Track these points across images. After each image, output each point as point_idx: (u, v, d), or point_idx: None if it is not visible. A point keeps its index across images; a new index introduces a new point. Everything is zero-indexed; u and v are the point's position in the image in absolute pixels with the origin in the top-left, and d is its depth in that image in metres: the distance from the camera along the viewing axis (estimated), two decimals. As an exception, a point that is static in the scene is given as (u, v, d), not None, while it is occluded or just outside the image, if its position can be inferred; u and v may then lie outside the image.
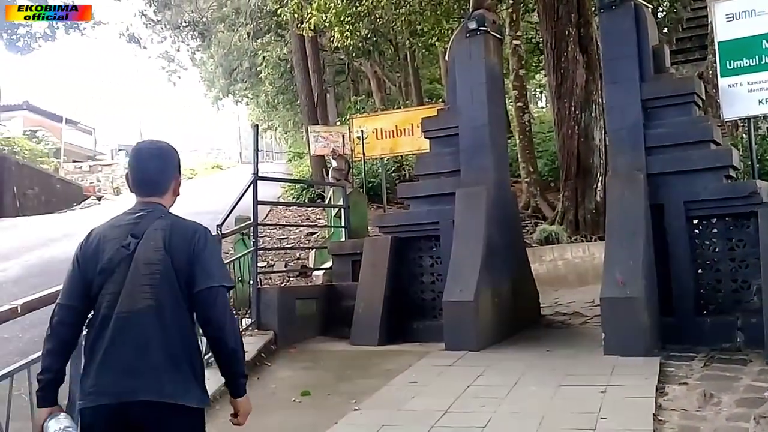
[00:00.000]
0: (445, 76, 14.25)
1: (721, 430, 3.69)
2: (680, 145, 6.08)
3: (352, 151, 13.83)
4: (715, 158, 5.99)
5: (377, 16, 14.39)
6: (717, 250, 5.97)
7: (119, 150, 41.58)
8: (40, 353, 3.29)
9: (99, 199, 24.66)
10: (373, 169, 15.24)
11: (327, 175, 15.29)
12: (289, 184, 18.15)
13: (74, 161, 32.82)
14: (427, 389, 4.90)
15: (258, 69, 26.71)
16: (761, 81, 6.36)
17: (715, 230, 6.00)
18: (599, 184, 10.69)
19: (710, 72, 10.53)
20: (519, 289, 7.16)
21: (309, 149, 17.92)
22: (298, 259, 11.61)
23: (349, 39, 13.80)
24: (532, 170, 13.74)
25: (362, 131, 12.68)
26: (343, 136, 14.93)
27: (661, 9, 15.63)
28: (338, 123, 20.78)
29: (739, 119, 8.01)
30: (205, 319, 2.15)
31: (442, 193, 7.16)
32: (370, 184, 14.70)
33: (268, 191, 13.70)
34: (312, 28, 14.10)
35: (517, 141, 14.44)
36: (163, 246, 2.13)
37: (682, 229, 5.99)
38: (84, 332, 2.24)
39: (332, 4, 12.78)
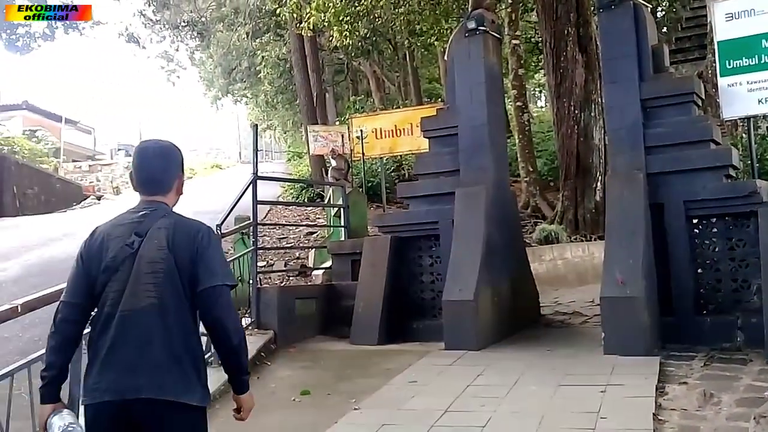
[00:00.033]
0: (444, 76, 14.22)
1: (721, 430, 3.69)
2: (680, 144, 6.08)
3: (351, 150, 13.82)
4: (714, 158, 5.99)
5: (376, 15, 14.38)
6: (717, 249, 5.97)
7: (119, 149, 41.56)
8: (40, 353, 3.31)
9: (99, 198, 24.66)
10: (373, 168, 15.24)
11: (326, 174, 15.28)
12: (289, 183, 18.15)
13: (74, 161, 32.83)
14: (426, 389, 4.90)
15: (257, 69, 26.71)
16: (761, 80, 6.35)
17: (714, 230, 6.01)
18: (599, 184, 10.69)
19: (710, 71, 10.53)
20: (518, 289, 7.16)
21: (308, 149, 17.91)
22: (298, 258, 11.61)
23: (348, 38, 13.79)
24: (531, 170, 13.74)
25: (361, 131, 12.68)
26: (342, 136, 14.93)
27: (660, 8, 15.65)
28: (337, 122, 20.77)
29: (739, 119, 8.01)
30: (209, 318, 2.17)
31: (441, 193, 7.16)
32: (370, 184, 14.71)
33: (267, 191, 13.70)
34: (311, 27, 14.08)
35: (517, 140, 14.44)
36: (166, 245, 2.15)
37: (682, 228, 5.99)
38: (87, 330, 2.25)
39: (331, 4, 12.77)
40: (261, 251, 9.13)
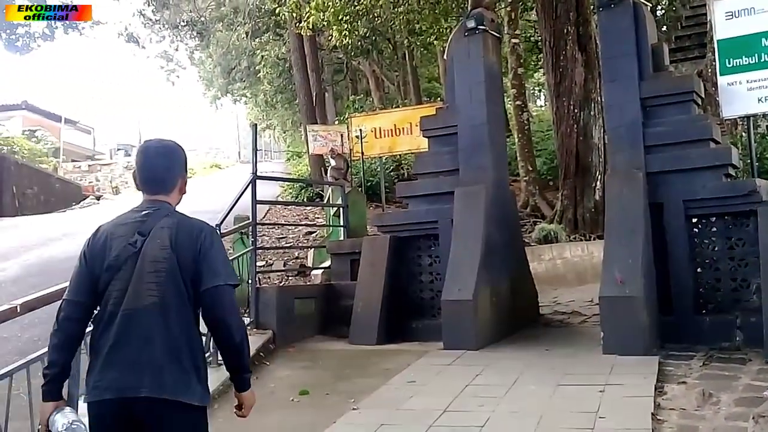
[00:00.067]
0: (444, 75, 14.22)
1: (720, 430, 3.69)
2: (679, 143, 6.08)
3: (350, 150, 13.82)
4: (714, 157, 5.99)
5: (375, 14, 14.36)
6: (716, 248, 5.96)
7: (118, 149, 41.58)
8: (38, 353, 3.31)
9: (98, 198, 24.67)
10: (372, 168, 15.24)
11: (325, 174, 15.28)
12: (288, 183, 18.15)
13: (73, 161, 32.84)
14: (425, 388, 4.90)
15: (256, 68, 26.69)
16: (760, 79, 6.36)
17: (714, 229, 6.00)
18: (598, 183, 10.68)
19: (709, 70, 10.52)
20: (518, 288, 7.15)
21: (307, 148, 17.91)
22: (297, 258, 11.60)
23: (347, 38, 13.78)
24: (530, 169, 13.73)
25: (361, 130, 12.67)
26: (341, 135, 14.93)
27: (660, 7, 15.63)
28: (337, 122, 20.77)
29: (739, 117, 8.00)
30: (212, 318, 2.19)
31: (440, 192, 7.16)
32: (369, 183, 14.70)
33: (266, 190, 13.69)
34: (310, 27, 14.07)
35: (516, 140, 14.43)
36: (169, 244, 2.16)
37: (682, 227, 5.98)
38: (89, 328, 2.27)
39: (330, 3, 12.76)
40: (260, 251, 9.14)
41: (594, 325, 6.65)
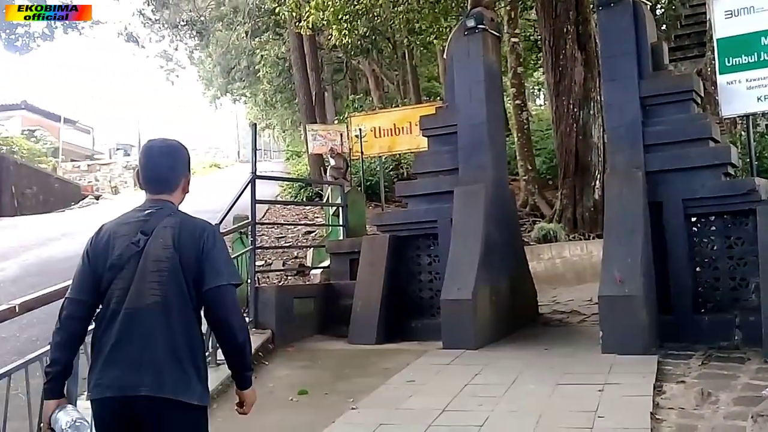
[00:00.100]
0: (444, 74, 14.21)
1: (719, 429, 3.69)
2: (679, 142, 6.08)
3: (350, 149, 13.81)
4: (713, 156, 5.99)
5: (375, 14, 14.36)
6: (715, 247, 5.96)
7: (117, 149, 41.59)
8: (37, 353, 3.31)
9: (97, 198, 24.65)
10: (371, 167, 15.23)
11: (325, 173, 15.27)
12: (287, 182, 18.12)
13: (72, 160, 32.83)
14: (424, 388, 4.90)
15: (256, 68, 26.67)
16: (760, 78, 6.36)
17: (713, 228, 6.00)
18: (597, 182, 10.68)
19: (709, 69, 10.53)
20: (517, 288, 7.15)
21: (307, 148, 17.90)
22: (296, 257, 11.59)
23: (347, 37, 13.78)
24: (530, 168, 13.72)
25: (360, 130, 12.67)
26: (341, 135, 14.92)
27: (659, 6, 15.62)
28: (336, 121, 20.76)
29: (738, 116, 7.99)
30: (215, 317, 2.20)
31: (440, 192, 7.15)
32: (368, 183, 14.70)
33: (266, 190, 13.69)
34: (310, 26, 14.06)
35: (516, 139, 14.42)
36: (172, 244, 2.17)
37: (681, 226, 5.98)
38: (92, 326, 2.28)
39: (330, 3, 12.75)
40: (259, 250, 9.14)
41: (593, 324, 6.64)
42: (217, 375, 4.88)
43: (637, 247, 5.64)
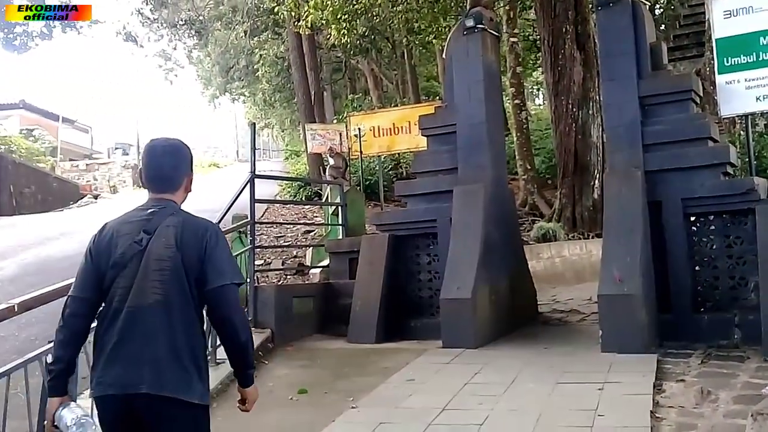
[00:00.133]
0: (443, 74, 14.21)
1: (719, 427, 3.69)
2: (678, 142, 6.09)
3: (349, 149, 13.81)
4: (712, 155, 6.00)
5: (374, 13, 14.36)
6: (714, 247, 5.97)
7: (116, 148, 41.52)
8: (36, 352, 3.30)
9: (95, 197, 24.62)
10: (371, 166, 15.23)
11: (324, 173, 15.26)
12: (286, 182, 18.12)
13: (71, 160, 32.74)
14: (424, 387, 4.90)
15: (255, 67, 26.65)
16: (759, 78, 6.36)
17: (712, 227, 6.01)
18: (597, 182, 10.68)
19: (708, 69, 10.52)
20: (516, 287, 7.15)
21: (306, 147, 17.87)
22: (295, 257, 11.59)
23: (346, 37, 13.77)
24: (529, 167, 13.72)
25: (359, 129, 12.66)
26: (340, 134, 14.91)
27: (658, 6, 15.62)
28: (335, 121, 20.74)
29: (737, 116, 7.99)
30: (218, 316, 2.22)
31: (439, 191, 7.15)
32: (368, 182, 14.70)
33: (265, 189, 13.70)
34: (309, 26, 14.06)
35: (515, 138, 14.42)
36: (174, 243, 2.18)
37: (680, 226, 5.99)
38: (94, 324, 2.29)
39: (329, 2, 12.75)
40: (258, 250, 9.13)
41: (593, 323, 6.65)
42: (217, 374, 4.88)
43: (637, 247, 5.65)
